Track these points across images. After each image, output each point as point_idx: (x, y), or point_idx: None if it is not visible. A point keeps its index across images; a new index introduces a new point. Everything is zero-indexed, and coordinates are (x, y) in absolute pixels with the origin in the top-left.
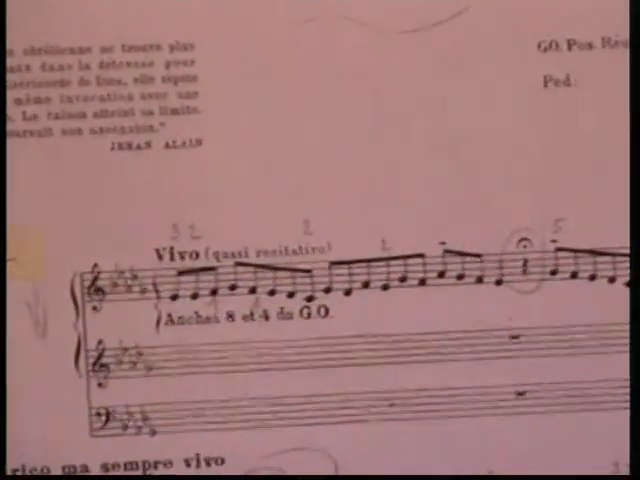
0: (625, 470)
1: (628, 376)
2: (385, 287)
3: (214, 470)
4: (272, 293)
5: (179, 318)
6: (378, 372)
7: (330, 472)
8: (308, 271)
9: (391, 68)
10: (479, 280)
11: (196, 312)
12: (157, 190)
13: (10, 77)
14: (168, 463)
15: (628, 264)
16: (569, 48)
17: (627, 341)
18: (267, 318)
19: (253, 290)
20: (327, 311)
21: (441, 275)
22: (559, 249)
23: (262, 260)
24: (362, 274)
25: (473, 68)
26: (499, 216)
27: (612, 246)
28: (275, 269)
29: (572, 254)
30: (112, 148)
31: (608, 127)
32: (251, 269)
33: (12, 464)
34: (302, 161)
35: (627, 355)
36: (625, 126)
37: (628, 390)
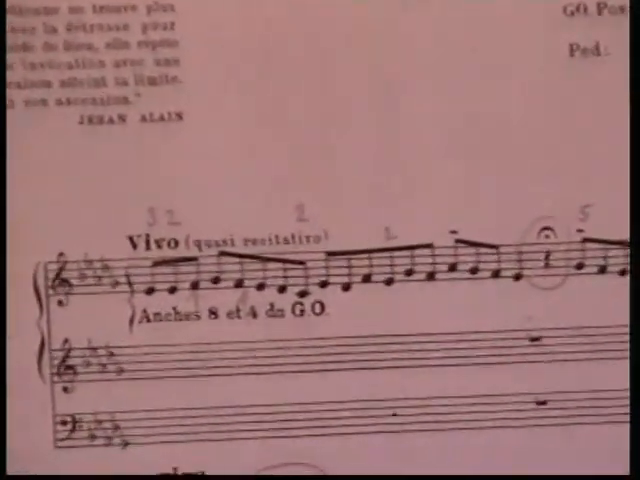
0: None
1: None
2: (389, 282)
3: None
4: (261, 287)
5: (155, 315)
6: (379, 378)
7: None
8: (302, 263)
9: (393, 38)
10: (495, 274)
11: (174, 308)
12: (131, 170)
13: None
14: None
15: None
16: (599, 12)
17: None
18: (255, 315)
19: (239, 284)
20: (323, 308)
21: (452, 268)
22: (586, 240)
23: (250, 250)
24: (363, 267)
25: (489, 37)
26: (518, 202)
27: None
28: (264, 260)
29: (601, 246)
30: (81, 122)
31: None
32: (237, 260)
33: None
34: (296, 139)
35: None
36: None
37: None
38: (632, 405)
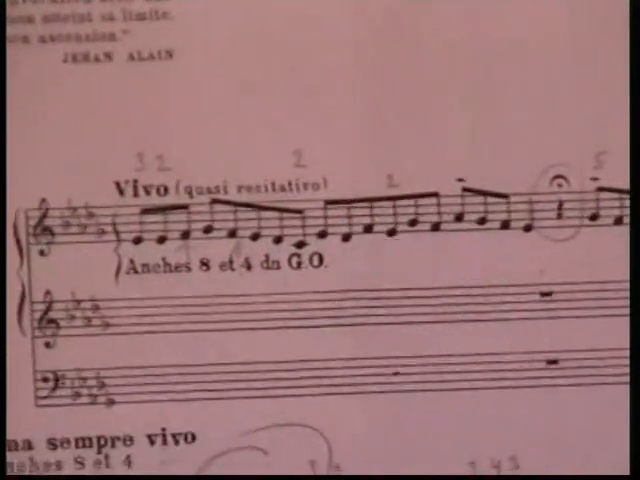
0: None
1: None
2: (391, 232)
3: (183, 449)
4: (255, 237)
5: (143, 266)
6: (381, 334)
7: (323, 454)
8: (299, 211)
9: None
10: (505, 225)
11: (164, 259)
12: (119, 111)
13: None
14: (128, 440)
15: None
16: None
17: None
18: (249, 267)
19: (233, 233)
20: (321, 260)
21: (459, 218)
22: (601, 189)
23: (244, 197)
24: (364, 216)
25: None
26: (529, 149)
27: None
28: (259, 208)
29: (616, 195)
30: (65, 60)
31: None
32: (230, 208)
33: None
34: (294, 79)
35: None
36: None
37: None
38: (632, 405)
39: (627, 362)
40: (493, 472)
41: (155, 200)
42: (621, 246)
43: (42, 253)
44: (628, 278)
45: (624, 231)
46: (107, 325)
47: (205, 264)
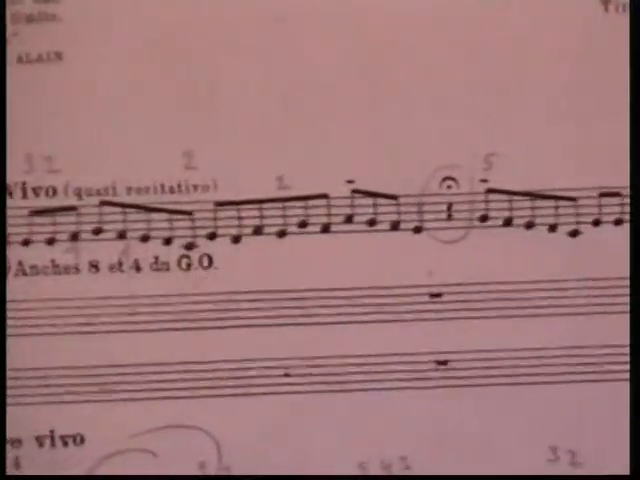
0: (566, 458)
1: (570, 343)
2: (281, 234)
3: (72, 451)
4: (145, 239)
5: (32, 268)
6: (271, 335)
7: (212, 455)
8: (189, 213)
9: None
10: (394, 227)
11: (52, 261)
12: (7, 114)
13: None
14: (16, 442)
15: (573, 210)
16: None
17: (569, 302)
18: (138, 269)
19: (122, 235)
20: (211, 261)
21: (348, 220)
22: (490, 190)
23: (133, 199)
24: (253, 218)
25: None
26: (419, 150)
27: (554, 187)
28: (149, 210)
29: (506, 197)
30: None
31: (554, 46)
32: (120, 210)
33: None
34: (184, 79)
35: (569, 318)
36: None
37: (569, 360)
38: (632, 404)
39: (516, 362)
40: (384, 473)
41: (44, 202)
42: (510, 247)
43: None
44: (518, 279)
45: (513, 232)
46: None
47: (94, 266)
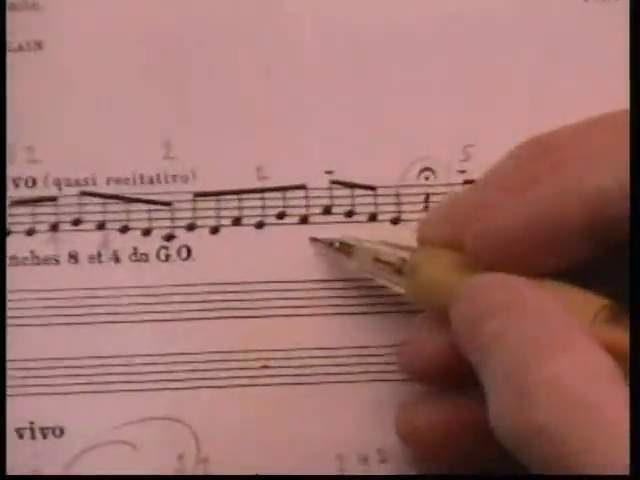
0: None
1: None
2: (259, 225)
3: (52, 443)
4: (124, 230)
5: (11, 259)
6: (250, 327)
7: (191, 447)
8: (168, 204)
9: None
10: (372, 218)
11: (32, 252)
12: None
13: None
14: None
15: None
16: None
17: None
18: (117, 260)
19: (101, 226)
20: (189, 252)
21: (327, 211)
22: (467, 182)
23: (113, 189)
24: (232, 208)
25: None
26: (397, 141)
27: None
28: (128, 201)
29: None
30: None
31: (534, 36)
32: (99, 200)
33: None
34: (163, 70)
35: None
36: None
37: None
38: (632, 404)
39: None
40: (360, 465)
41: (24, 192)
42: None
43: None
44: None
45: None
46: None
47: (73, 257)
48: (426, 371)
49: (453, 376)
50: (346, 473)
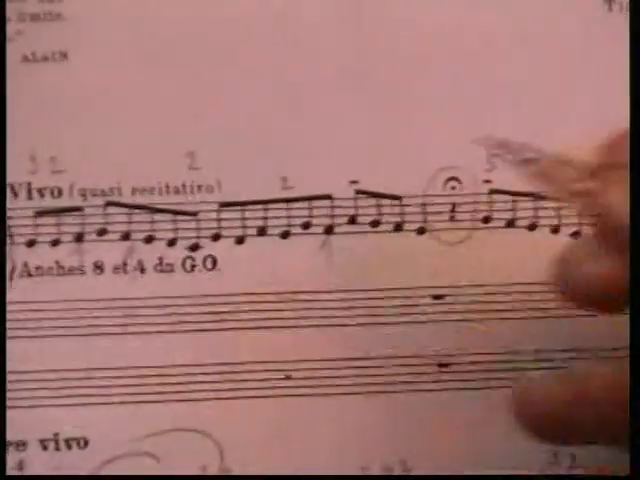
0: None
1: (574, 345)
2: (285, 235)
3: (76, 454)
4: (149, 240)
5: (37, 269)
6: (274, 337)
7: (214, 458)
8: (193, 214)
9: None
10: (398, 228)
11: (57, 262)
12: (12, 113)
13: None
14: (21, 445)
15: (574, 212)
16: None
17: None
18: (143, 270)
19: (126, 236)
20: (215, 263)
21: (352, 221)
22: (493, 191)
23: (138, 200)
24: (257, 218)
25: None
26: (422, 151)
27: None
28: (153, 211)
29: (509, 198)
30: None
31: (556, 45)
32: (124, 210)
33: None
34: (188, 81)
35: (573, 320)
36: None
37: (571, 363)
38: (632, 404)
39: (517, 365)
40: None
41: (49, 202)
42: (513, 249)
43: None
44: (520, 281)
45: (516, 233)
46: None
47: (99, 267)
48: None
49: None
50: None
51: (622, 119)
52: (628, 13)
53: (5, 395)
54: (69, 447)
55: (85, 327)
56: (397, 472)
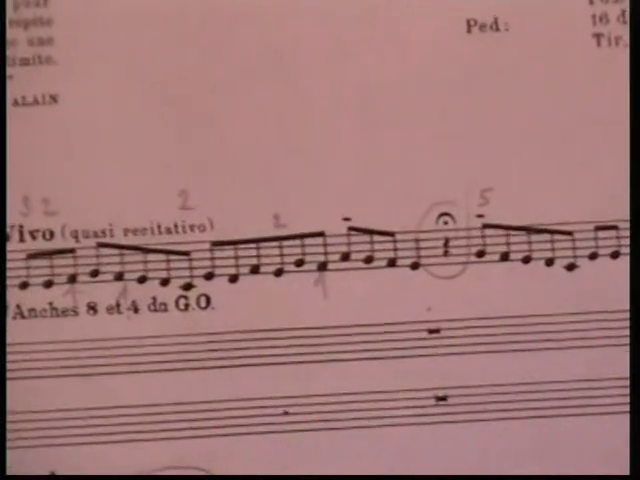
0: None
1: (569, 377)
2: (278, 272)
3: None
4: (142, 280)
5: (30, 311)
6: (270, 374)
7: None
8: (186, 253)
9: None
10: (391, 263)
11: (50, 303)
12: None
13: None
14: None
15: (569, 244)
16: None
17: (568, 335)
18: (136, 310)
19: (120, 276)
20: (208, 301)
21: (345, 258)
22: (486, 226)
23: (130, 240)
24: (250, 257)
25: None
26: (414, 187)
27: (550, 222)
28: (146, 251)
29: (502, 232)
30: None
31: (548, 81)
32: (117, 251)
33: None
34: (178, 120)
35: (567, 352)
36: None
37: (568, 394)
38: (632, 404)
39: (515, 397)
40: None
41: (41, 244)
42: (508, 281)
43: None
44: (517, 313)
45: (510, 267)
46: None
47: (92, 308)
48: None
49: None
50: None
51: (615, 152)
52: (619, 47)
53: (5, 397)
54: None
55: (79, 367)
56: None
